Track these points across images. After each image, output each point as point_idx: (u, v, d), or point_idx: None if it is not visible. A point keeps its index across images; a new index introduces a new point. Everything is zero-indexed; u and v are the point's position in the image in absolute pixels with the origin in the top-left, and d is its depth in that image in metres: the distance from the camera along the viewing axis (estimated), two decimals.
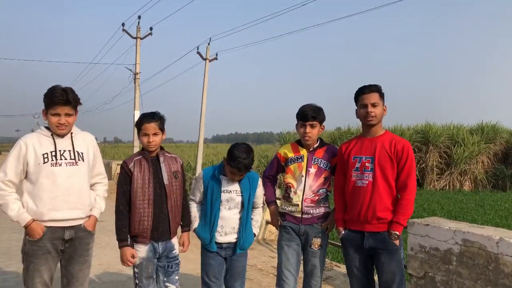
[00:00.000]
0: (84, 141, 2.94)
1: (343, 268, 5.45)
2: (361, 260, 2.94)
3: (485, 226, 3.37)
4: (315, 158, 3.11)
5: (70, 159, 2.80)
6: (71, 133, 2.88)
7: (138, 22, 18.58)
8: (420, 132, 20.09)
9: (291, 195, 3.12)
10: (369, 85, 2.94)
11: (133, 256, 2.83)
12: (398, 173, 2.84)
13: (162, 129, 2.94)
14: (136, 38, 18.65)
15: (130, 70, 18.86)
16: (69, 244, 2.82)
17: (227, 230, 3.00)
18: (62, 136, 2.82)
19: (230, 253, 3.05)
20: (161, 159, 2.97)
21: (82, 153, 2.87)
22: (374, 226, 2.84)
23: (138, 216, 2.85)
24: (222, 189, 2.97)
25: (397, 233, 2.79)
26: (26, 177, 2.77)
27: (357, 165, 2.91)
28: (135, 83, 18.71)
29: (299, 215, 3.10)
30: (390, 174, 2.82)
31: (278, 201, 3.37)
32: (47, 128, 2.85)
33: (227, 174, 2.97)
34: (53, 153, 2.75)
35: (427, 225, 3.43)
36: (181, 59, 26.69)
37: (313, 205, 3.09)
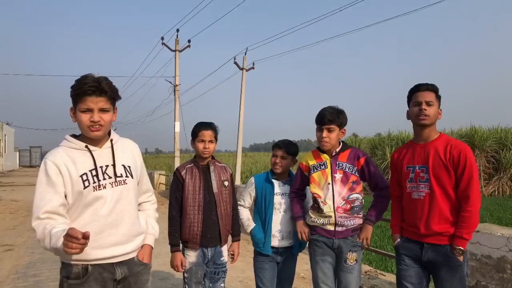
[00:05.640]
0: (130, 151, 2.28)
1: (388, 277, 5.31)
2: (416, 273, 2.67)
3: None
4: (339, 163, 2.90)
5: (116, 176, 2.12)
6: (111, 140, 2.19)
7: (177, 35, 19.10)
8: (464, 136, 19.35)
9: (321, 206, 2.88)
10: (426, 83, 2.68)
11: (182, 263, 2.91)
12: (457, 182, 2.55)
13: (216, 138, 3.06)
14: (175, 51, 19.14)
15: (170, 82, 19.36)
16: (122, 284, 2.18)
17: (284, 235, 3.12)
18: (99, 145, 2.14)
19: (285, 257, 3.16)
20: (212, 168, 3.06)
21: (129, 167, 2.20)
22: (435, 238, 2.58)
23: (189, 222, 2.93)
24: (274, 191, 3.11)
25: (462, 248, 2.49)
26: None
27: (411, 175, 2.68)
28: (175, 94, 19.14)
29: (332, 228, 2.87)
30: (448, 184, 2.56)
31: (308, 214, 3.17)
32: (76, 136, 2.15)
33: (272, 166, 3.17)
34: (94, 172, 2.06)
35: (478, 231, 3.29)
36: (219, 70, 27.08)
37: (347, 215, 2.86)
